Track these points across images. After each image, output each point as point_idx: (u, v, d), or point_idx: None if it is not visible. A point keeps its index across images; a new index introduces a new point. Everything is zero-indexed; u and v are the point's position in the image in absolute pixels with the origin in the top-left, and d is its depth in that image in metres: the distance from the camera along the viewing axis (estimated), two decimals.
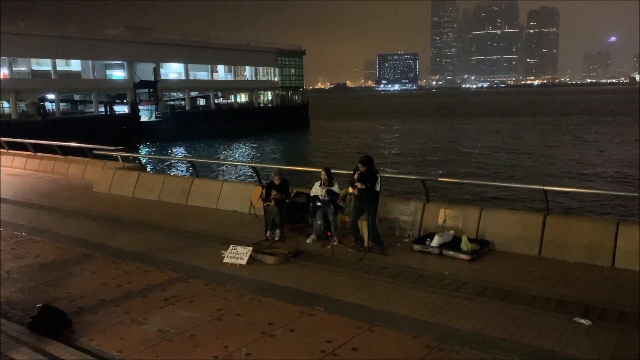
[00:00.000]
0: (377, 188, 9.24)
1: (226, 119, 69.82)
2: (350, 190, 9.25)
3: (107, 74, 64.88)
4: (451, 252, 8.97)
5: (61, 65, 58.85)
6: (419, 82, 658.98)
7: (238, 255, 8.94)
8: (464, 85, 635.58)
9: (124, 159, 17.57)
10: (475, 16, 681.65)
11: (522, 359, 5.57)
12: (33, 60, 57.56)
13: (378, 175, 9.29)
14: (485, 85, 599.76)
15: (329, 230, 10.02)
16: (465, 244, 8.94)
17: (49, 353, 5.75)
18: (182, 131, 61.60)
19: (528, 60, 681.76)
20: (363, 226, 9.49)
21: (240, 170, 37.21)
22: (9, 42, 49.89)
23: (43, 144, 21.93)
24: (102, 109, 58.91)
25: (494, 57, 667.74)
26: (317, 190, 10.18)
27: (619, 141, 54.02)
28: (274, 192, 10.33)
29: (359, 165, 9.30)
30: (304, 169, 16.36)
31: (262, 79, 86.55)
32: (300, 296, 7.38)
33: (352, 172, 9.50)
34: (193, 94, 72.84)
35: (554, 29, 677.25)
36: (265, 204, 10.40)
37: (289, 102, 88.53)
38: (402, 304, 7.01)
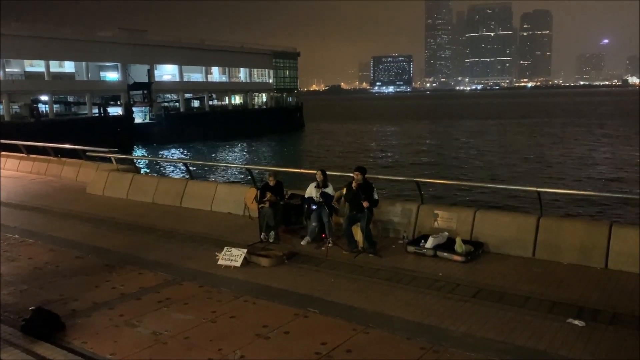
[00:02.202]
0: (376, 196, 9.42)
1: (220, 120, 69.72)
2: (365, 204, 9.28)
3: (101, 75, 64.58)
4: (445, 254, 8.99)
5: (55, 66, 58.55)
6: (413, 84, 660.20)
7: (232, 257, 8.92)
8: (457, 87, 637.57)
9: (118, 160, 17.51)
10: (469, 18, 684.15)
11: None
12: (26, 62, 57.22)
13: (373, 185, 9.45)
14: (479, 87, 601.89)
15: (324, 232, 10.02)
16: (459, 246, 8.96)
17: (41, 356, 5.72)
18: (176, 133, 61.44)
19: (521, 62, 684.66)
20: (357, 232, 9.53)
21: (235, 172, 37.18)
22: (2, 44, 49.63)
23: (36, 146, 21.82)
24: (95, 110, 58.62)
25: (488, 59, 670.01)
26: (311, 191, 10.18)
27: (612, 143, 54.30)
28: (268, 194, 10.33)
29: (356, 173, 9.38)
30: (299, 170, 16.35)
31: (257, 80, 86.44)
32: (295, 298, 7.38)
33: (350, 182, 9.57)
34: (187, 95, 72.68)
35: (547, 32, 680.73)
36: (260, 206, 10.39)
37: (283, 104, 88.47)
38: (396, 306, 7.02)
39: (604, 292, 7.40)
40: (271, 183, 10.55)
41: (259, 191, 10.65)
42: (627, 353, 5.69)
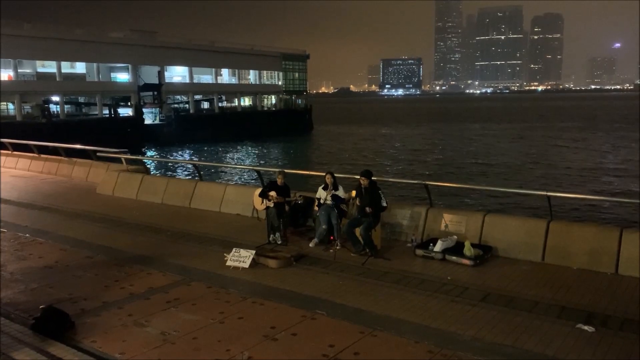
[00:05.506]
0: (384, 204, 9.42)
1: (230, 122, 69.94)
2: (367, 210, 9.31)
3: (112, 76, 65.06)
4: (454, 258, 8.96)
5: (66, 67, 59.03)
6: (423, 87, 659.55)
7: (241, 258, 8.95)
8: (467, 91, 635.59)
9: (128, 161, 17.62)
10: (479, 22, 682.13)
11: None
12: (38, 63, 57.72)
13: (381, 192, 9.45)
14: (489, 91, 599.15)
15: (332, 234, 10.02)
16: (468, 250, 8.93)
17: (51, 354, 5.76)
18: (186, 134, 61.74)
19: (532, 66, 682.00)
20: (358, 234, 9.53)
21: (244, 173, 37.28)
22: (14, 44, 50.17)
23: (47, 146, 22.00)
24: (106, 111, 59.04)
25: (498, 62, 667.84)
26: (321, 194, 10.19)
27: (623, 147, 53.87)
28: (274, 194, 10.32)
29: (361, 178, 9.40)
30: (308, 172, 16.36)
31: (266, 82, 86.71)
32: (303, 300, 7.39)
33: (356, 188, 9.61)
34: (197, 97, 73.01)
35: (558, 35, 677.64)
36: (266, 206, 10.39)
37: (292, 106, 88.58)
38: (404, 309, 7.00)
39: (614, 298, 7.34)
40: (279, 182, 10.55)
41: (266, 186, 10.68)
42: (637, 359, 5.63)
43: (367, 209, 9.28)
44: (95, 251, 10.04)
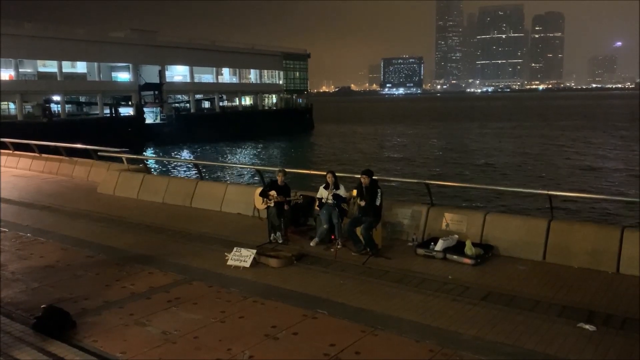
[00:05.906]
0: (377, 202, 9.37)
1: (230, 121, 69.97)
2: (361, 202, 9.33)
3: (113, 76, 65.11)
4: (455, 257, 8.96)
5: (67, 67, 59.11)
6: (424, 86, 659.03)
7: (242, 257, 8.95)
8: (468, 90, 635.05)
9: (129, 160, 17.62)
10: (480, 20, 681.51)
11: None
12: (39, 62, 57.81)
13: (379, 190, 9.42)
14: (490, 90, 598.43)
15: (333, 233, 10.02)
16: (469, 249, 8.92)
17: (52, 354, 5.77)
18: (187, 134, 61.76)
19: (533, 64, 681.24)
20: (359, 233, 9.53)
21: (245, 173, 37.28)
22: (15, 44, 50.27)
23: (48, 146, 22.01)
24: (107, 111, 59.13)
25: (499, 61, 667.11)
26: (322, 193, 10.19)
27: (624, 146, 53.80)
28: (274, 193, 10.31)
29: (362, 177, 9.42)
30: (309, 172, 16.36)
31: (267, 82, 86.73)
32: (304, 299, 7.38)
33: (357, 187, 9.63)
34: (198, 96, 73.05)
35: (559, 34, 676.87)
36: (266, 205, 10.39)
37: (293, 105, 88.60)
38: (405, 308, 7.00)
39: (615, 297, 7.33)
40: (279, 181, 10.53)
41: (266, 186, 10.67)
42: (637, 358, 5.63)
43: (359, 200, 9.28)
44: (96, 250, 10.05)
